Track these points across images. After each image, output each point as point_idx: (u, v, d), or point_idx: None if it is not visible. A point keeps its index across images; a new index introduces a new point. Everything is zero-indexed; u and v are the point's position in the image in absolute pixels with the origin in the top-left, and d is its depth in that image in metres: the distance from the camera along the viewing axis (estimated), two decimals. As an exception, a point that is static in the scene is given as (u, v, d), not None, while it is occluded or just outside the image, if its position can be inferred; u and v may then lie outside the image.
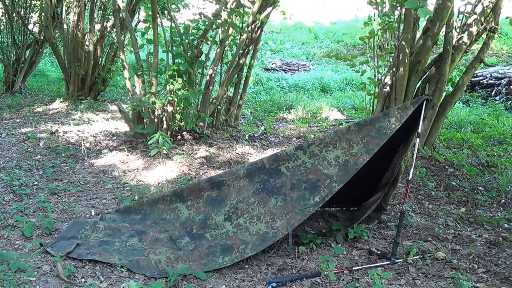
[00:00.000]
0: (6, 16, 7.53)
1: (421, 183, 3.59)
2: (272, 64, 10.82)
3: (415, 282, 2.25)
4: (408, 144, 2.60)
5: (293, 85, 8.87)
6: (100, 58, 7.18)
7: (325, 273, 2.27)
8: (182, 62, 4.27)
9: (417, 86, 3.99)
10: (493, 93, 7.37)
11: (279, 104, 6.89)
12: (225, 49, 4.96)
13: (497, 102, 7.04)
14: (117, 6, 4.85)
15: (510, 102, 6.92)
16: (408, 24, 3.82)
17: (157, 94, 4.45)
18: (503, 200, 3.33)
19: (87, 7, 7.02)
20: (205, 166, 3.99)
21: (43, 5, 7.03)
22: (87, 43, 6.83)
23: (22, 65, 7.63)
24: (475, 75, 7.23)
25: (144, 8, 4.80)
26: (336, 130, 2.60)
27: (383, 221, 2.96)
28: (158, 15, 4.37)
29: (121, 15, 5.12)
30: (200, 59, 4.58)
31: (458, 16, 4.02)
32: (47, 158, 4.09)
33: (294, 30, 13.86)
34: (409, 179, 2.50)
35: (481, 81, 7.64)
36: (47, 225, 2.67)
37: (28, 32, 7.58)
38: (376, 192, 2.84)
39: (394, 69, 3.94)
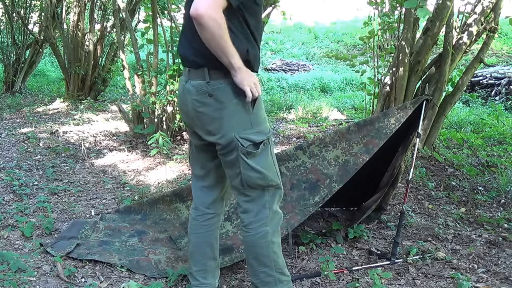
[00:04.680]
0: (6, 16, 7.52)
1: (421, 183, 3.59)
2: (272, 64, 10.82)
3: (415, 282, 2.25)
4: (408, 144, 2.60)
5: (293, 85, 8.87)
6: (100, 58, 7.18)
7: (325, 273, 2.28)
8: (182, 62, 4.26)
9: (417, 86, 3.99)
10: (493, 93, 7.37)
11: (279, 104, 6.89)
12: (225, 49, 4.95)
13: (497, 102, 7.03)
14: (117, 6, 4.85)
15: (510, 102, 6.91)
16: (408, 24, 3.82)
17: (157, 94, 4.45)
18: (503, 200, 3.33)
19: (87, 7, 7.01)
20: (205, 166, 3.98)
21: (43, 5, 7.03)
22: (87, 43, 6.83)
23: (22, 65, 7.62)
24: (475, 75, 7.22)
25: (144, 8, 4.80)
26: (336, 130, 2.60)
27: (383, 221, 2.96)
28: (158, 15, 4.38)
29: (121, 15, 5.12)
30: (200, 59, 4.57)
31: (458, 16, 4.01)
32: (47, 158, 4.09)
33: (294, 30, 13.86)
34: (409, 179, 2.50)
35: (481, 81, 7.64)
36: (47, 225, 2.67)
37: (28, 32, 7.57)
38: (376, 192, 2.84)
39: (394, 69, 3.94)
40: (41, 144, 4.50)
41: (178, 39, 4.29)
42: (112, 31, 7.20)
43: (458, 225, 2.95)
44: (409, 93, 3.94)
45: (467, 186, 3.54)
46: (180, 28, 4.49)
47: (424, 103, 2.44)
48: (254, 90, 1.63)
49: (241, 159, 1.68)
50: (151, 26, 4.36)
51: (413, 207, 3.22)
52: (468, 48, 4.02)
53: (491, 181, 3.62)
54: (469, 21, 3.91)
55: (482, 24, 3.92)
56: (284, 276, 1.84)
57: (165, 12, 5.06)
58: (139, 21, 7.09)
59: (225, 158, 1.73)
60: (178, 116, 4.38)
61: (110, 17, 7.24)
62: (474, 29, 3.87)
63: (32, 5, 7.74)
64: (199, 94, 1.67)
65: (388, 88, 4.00)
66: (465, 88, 4.34)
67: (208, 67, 1.64)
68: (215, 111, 1.66)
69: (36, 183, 3.47)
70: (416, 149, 2.47)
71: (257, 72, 1.76)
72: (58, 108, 6.38)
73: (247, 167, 1.69)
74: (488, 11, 3.89)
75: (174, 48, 4.33)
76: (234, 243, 2.36)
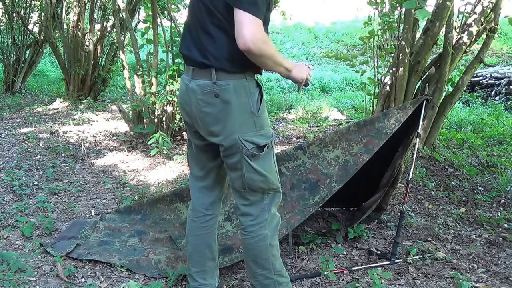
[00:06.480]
0: (6, 16, 7.52)
1: (421, 183, 3.59)
2: (272, 64, 10.78)
3: (415, 282, 2.25)
4: (408, 144, 2.60)
5: (293, 85, 8.86)
6: (100, 58, 7.17)
7: (325, 273, 2.28)
8: (182, 62, 4.26)
9: (417, 86, 3.99)
10: (493, 93, 7.37)
11: (279, 104, 6.89)
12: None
13: (497, 102, 7.03)
14: (117, 6, 4.85)
15: (510, 102, 6.91)
16: (408, 24, 3.82)
17: (157, 94, 4.45)
18: (503, 200, 3.33)
19: (87, 7, 7.01)
20: (205, 166, 3.98)
21: (43, 5, 7.03)
22: (87, 43, 6.83)
23: (22, 65, 7.61)
24: (475, 75, 7.22)
25: (144, 8, 4.80)
26: (336, 130, 2.60)
27: (383, 221, 2.96)
28: (158, 15, 4.38)
29: (121, 15, 5.12)
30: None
31: (458, 16, 4.01)
32: (47, 158, 4.09)
33: (294, 30, 13.85)
34: (409, 179, 2.50)
35: (481, 81, 7.63)
36: (47, 225, 2.67)
37: (28, 32, 7.57)
38: (376, 192, 2.84)
39: (394, 69, 3.94)
40: (41, 144, 4.50)
41: (178, 39, 4.34)
42: (112, 31, 7.20)
43: (458, 225, 2.95)
44: (409, 93, 3.94)
45: (467, 186, 3.54)
46: (180, 28, 4.50)
47: (424, 103, 2.44)
48: (309, 77, 1.77)
49: (244, 161, 1.67)
50: (151, 26, 4.36)
51: (413, 207, 3.22)
52: (468, 48, 4.02)
53: (491, 181, 3.62)
54: (469, 21, 3.91)
55: (482, 24, 3.92)
56: (282, 278, 1.84)
57: (165, 12, 5.06)
58: (139, 21, 7.08)
59: (228, 160, 1.73)
60: (178, 116, 4.38)
61: (110, 17, 7.24)
62: (474, 29, 3.87)
63: (32, 5, 7.73)
64: (205, 94, 1.65)
65: (388, 88, 4.00)
66: (465, 88, 4.34)
67: (216, 67, 1.63)
68: (220, 111, 1.65)
69: (36, 183, 3.47)
70: (416, 149, 2.47)
71: (261, 74, 1.76)
72: (58, 108, 6.38)
73: (251, 169, 1.68)
74: (488, 11, 3.89)
75: (174, 48, 4.33)
76: (234, 243, 2.36)
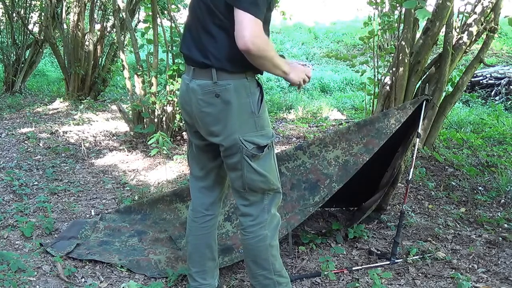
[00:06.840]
0: (6, 16, 7.52)
1: (421, 183, 3.59)
2: (272, 64, 10.77)
3: (415, 282, 2.25)
4: (408, 144, 2.60)
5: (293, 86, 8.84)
6: (100, 58, 7.18)
7: (325, 273, 2.28)
8: (182, 62, 4.27)
9: (417, 86, 3.99)
10: (493, 93, 7.37)
11: (279, 104, 6.89)
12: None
13: (497, 102, 7.03)
14: (117, 6, 4.85)
15: (510, 102, 6.91)
16: (408, 24, 3.82)
17: (157, 94, 4.45)
18: (503, 200, 3.33)
19: (87, 7, 7.01)
20: (205, 166, 3.98)
21: (43, 5, 7.03)
22: (87, 43, 6.83)
23: (22, 65, 7.61)
24: (475, 75, 7.22)
25: (144, 8, 4.80)
26: (336, 130, 2.60)
27: (383, 221, 2.96)
28: (158, 15, 4.38)
29: (121, 15, 5.12)
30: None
31: (458, 16, 4.02)
32: (47, 158, 4.09)
33: (294, 30, 13.84)
34: (409, 179, 2.50)
35: (481, 81, 7.64)
36: (47, 225, 2.67)
37: (28, 32, 7.57)
38: (376, 192, 2.84)
39: (394, 69, 3.94)
40: (41, 144, 4.50)
41: (178, 39, 4.34)
42: (112, 31, 7.20)
43: (458, 225, 2.95)
44: (409, 93, 3.94)
45: (467, 186, 3.54)
46: (180, 28, 4.50)
47: (424, 103, 2.44)
48: (306, 79, 1.76)
49: (244, 161, 1.67)
50: (151, 26, 4.36)
51: (413, 207, 3.22)
52: (468, 48, 4.02)
53: (491, 181, 3.62)
54: (469, 21, 3.91)
55: (482, 24, 3.92)
56: (282, 278, 1.84)
57: (165, 12, 5.06)
58: (139, 21, 7.08)
59: (228, 160, 1.72)
60: (178, 116, 4.38)
61: (110, 17, 7.24)
62: (474, 29, 3.87)
63: (32, 5, 7.73)
64: (205, 94, 1.65)
65: (388, 88, 4.00)
66: (465, 88, 4.34)
67: (216, 67, 1.62)
68: (221, 111, 1.65)
69: (36, 183, 3.47)
70: (416, 149, 2.47)
71: (262, 74, 1.76)
72: (58, 108, 6.38)
73: (251, 169, 1.68)
74: (488, 11, 3.89)
75: (174, 48, 4.33)
76: (234, 243, 2.36)
